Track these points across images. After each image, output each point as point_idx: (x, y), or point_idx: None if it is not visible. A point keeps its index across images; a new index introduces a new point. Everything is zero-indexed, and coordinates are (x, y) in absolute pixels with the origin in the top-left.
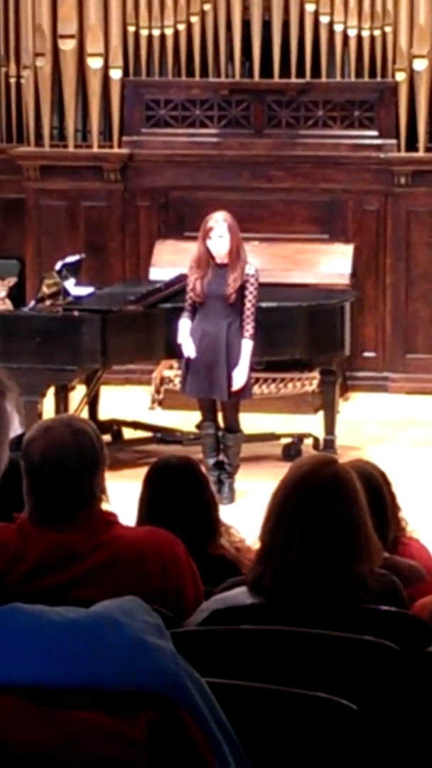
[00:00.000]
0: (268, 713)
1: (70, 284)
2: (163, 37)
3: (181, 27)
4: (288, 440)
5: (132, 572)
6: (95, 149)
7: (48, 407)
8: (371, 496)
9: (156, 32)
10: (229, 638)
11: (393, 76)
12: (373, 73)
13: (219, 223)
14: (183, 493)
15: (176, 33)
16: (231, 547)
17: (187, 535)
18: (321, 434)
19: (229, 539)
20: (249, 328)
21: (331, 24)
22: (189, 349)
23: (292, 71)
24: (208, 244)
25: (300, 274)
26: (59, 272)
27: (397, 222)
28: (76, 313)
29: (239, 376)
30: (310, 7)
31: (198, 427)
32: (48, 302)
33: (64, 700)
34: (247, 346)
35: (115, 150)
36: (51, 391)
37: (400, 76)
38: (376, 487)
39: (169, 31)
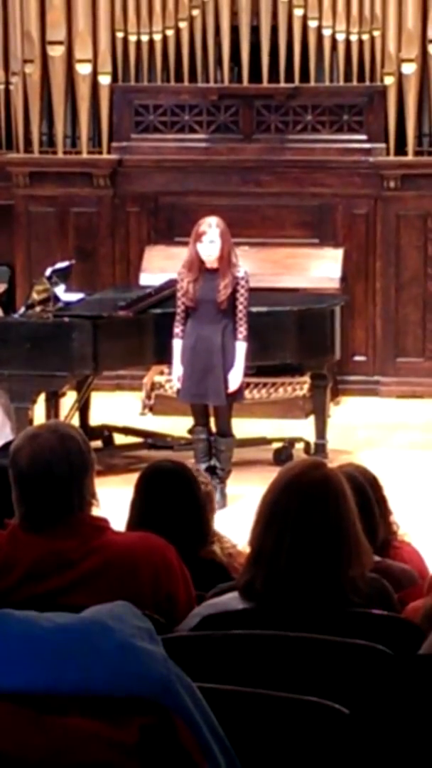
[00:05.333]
0: (260, 718)
1: (60, 290)
2: (151, 42)
3: (170, 32)
4: (279, 445)
5: (124, 578)
6: (84, 155)
7: (39, 414)
8: (359, 499)
9: (144, 38)
10: (220, 643)
11: (381, 80)
12: (361, 78)
13: (211, 227)
14: (174, 497)
15: (165, 38)
16: (223, 554)
17: (178, 539)
18: (312, 438)
19: (221, 546)
20: (242, 329)
21: (319, 28)
22: (177, 375)
23: (281, 76)
24: (199, 247)
25: (290, 279)
26: (49, 278)
27: (386, 226)
28: (66, 319)
29: (235, 378)
30: (298, 12)
31: (190, 432)
32: (38, 308)
33: (55, 706)
34: (241, 347)
35: (105, 156)
36: (42, 398)
37: (389, 80)
38: (363, 490)
39: (157, 37)
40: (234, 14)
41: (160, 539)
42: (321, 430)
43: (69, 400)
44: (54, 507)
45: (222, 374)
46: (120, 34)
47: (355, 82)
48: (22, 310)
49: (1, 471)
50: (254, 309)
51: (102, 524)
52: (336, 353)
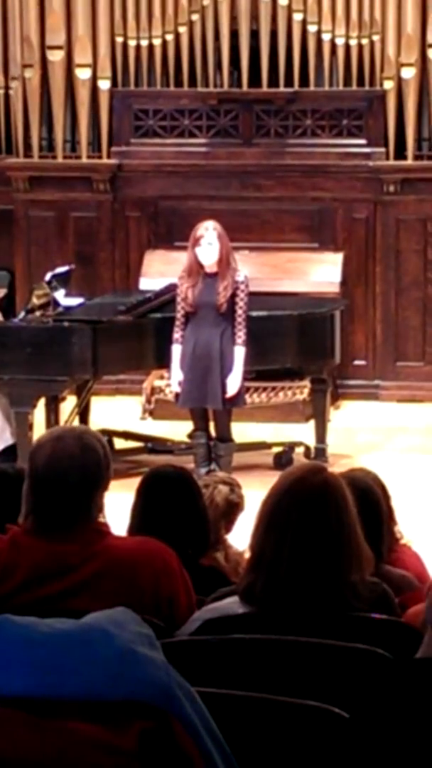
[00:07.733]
0: (260, 722)
1: (60, 295)
2: (151, 47)
3: (170, 37)
4: (279, 449)
5: (124, 583)
6: (84, 160)
7: (38, 418)
8: (368, 507)
9: (144, 42)
10: (220, 648)
11: (381, 84)
12: (361, 82)
13: (209, 231)
14: (177, 502)
15: (164, 43)
16: (228, 561)
17: (180, 544)
18: (312, 443)
19: (227, 551)
20: (241, 334)
21: (318, 33)
22: (176, 380)
23: (281, 80)
24: (197, 251)
25: (290, 283)
26: (49, 283)
27: (386, 230)
28: (66, 324)
29: (233, 383)
30: (297, 17)
31: (190, 436)
32: (38, 313)
33: (55, 711)
34: (239, 352)
35: (104, 160)
36: (42, 402)
37: (388, 85)
38: (374, 498)
39: (157, 41)
40: (233, 19)
41: (160, 543)
42: (321, 434)
43: (69, 404)
44: (61, 512)
45: (220, 379)
46: (120, 39)
47: (354, 87)
48: (21, 314)
49: (2, 476)
50: (254, 313)
51: (102, 529)
52: (336, 357)
